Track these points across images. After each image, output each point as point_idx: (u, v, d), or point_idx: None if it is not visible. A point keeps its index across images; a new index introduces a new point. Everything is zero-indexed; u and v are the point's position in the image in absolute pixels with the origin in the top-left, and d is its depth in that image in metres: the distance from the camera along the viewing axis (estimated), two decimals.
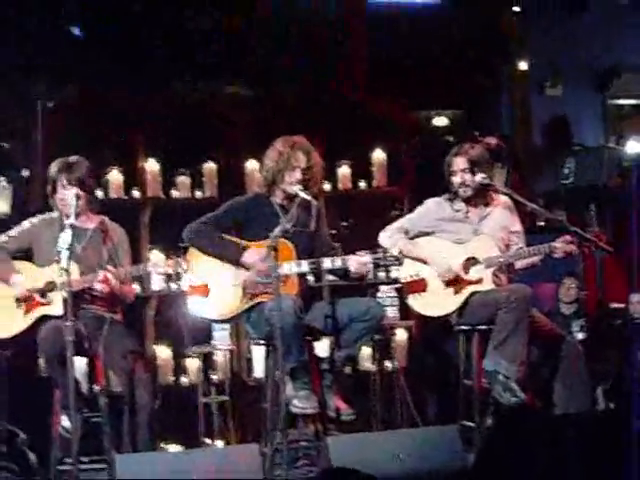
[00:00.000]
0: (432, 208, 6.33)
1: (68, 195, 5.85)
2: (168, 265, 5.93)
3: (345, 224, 8.29)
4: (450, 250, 6.15)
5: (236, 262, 5.87)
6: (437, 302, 6.13)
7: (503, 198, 6.33)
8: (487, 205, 6.29)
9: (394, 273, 7.20)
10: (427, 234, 6.26)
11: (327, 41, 9.85)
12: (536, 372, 6.92)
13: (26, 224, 6.13)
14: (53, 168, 6.00)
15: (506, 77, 10.73)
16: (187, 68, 8.98)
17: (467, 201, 6.24)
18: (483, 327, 6.00)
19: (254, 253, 5.84)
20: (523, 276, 6.32)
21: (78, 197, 5.78)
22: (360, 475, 2.95)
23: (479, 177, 6.18)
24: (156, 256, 6.82)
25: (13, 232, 6.14)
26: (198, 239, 5.95)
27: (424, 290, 6.16)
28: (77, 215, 5.72)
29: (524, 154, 10.24)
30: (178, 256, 5.93)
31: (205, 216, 6.02)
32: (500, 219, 6.27)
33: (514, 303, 5.82)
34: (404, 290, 6.28)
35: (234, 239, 5.93)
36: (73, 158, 6.00)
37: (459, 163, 6.22)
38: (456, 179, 6.22)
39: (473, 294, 6.05)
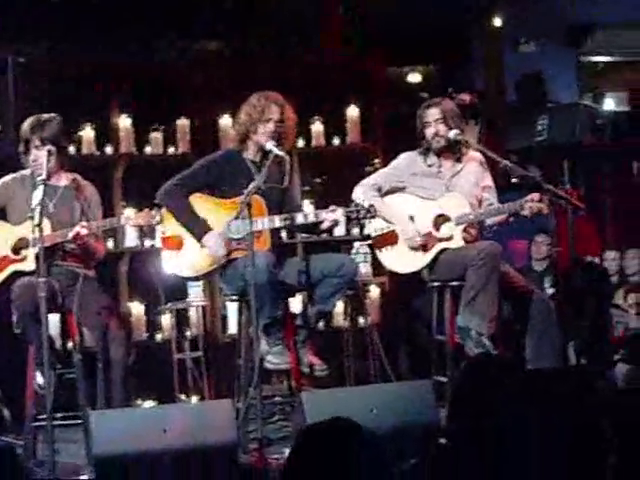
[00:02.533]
0: (405, 162, 6.34)
1: (40, 155, 5.81)
2: (141, 217, 5.92)
3: (319, 180, 8.29)
4: (421, 207, 6.17)
5: (198, 239, 5.87)
6: (406, 259, 6.16)
7: (475, 154, 6.33)
8: (459, 161, 6.29)
9: (367, 229, 7.21)
10: (400, 189, 6.27)
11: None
12: (508, 328, 6.98)
13: None
14: (25, 127, 5.93)
15: (480, 33, 10.72)
16: (160, 24, 8.92)
17: (439, 155, 6.25)
18: (455, 283, 6.03)
19: (213, 238, 5.84)
20: (495, 233, 6.35)
21: (50, 154, 5.75)
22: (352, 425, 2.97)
23: (452, 133, 6.18)
24: (129, 211, 6.79)
25: None
26: (169, 203, 5.96)
27: (395, 243, 6.18)
28: (49, 173, 5.70)
29: (497, 111, 10.25)
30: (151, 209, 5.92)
31: (177, 176, 6.00)
32: (472, 175, 6.28)
33: (483, 260, 5.85)
34: (375, 244, 6.30)
35: (199, 219, 5.91)
36: (45, 116, 5.94)
37: (433, 114, 6.21)
38: (430, 130, 6.21)
39: (443, 251, 6.08)
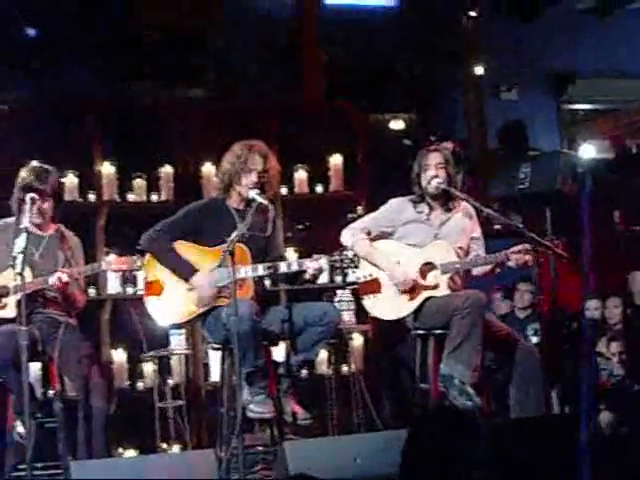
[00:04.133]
0: (395, 208, 6.32)
1: (46, 205, 5.84)
2: (122, 262, 5.90)
3: (302, 228, 8.29)
4: (408, 255, 6.16)
5: (186, 280, 5.86)
6: (392, 306, 6.14)
7: (464, 204, 6.34)
8: (449, 210, 6.28)
9: (351, 277, 7.20)
10: (388, 234, 6.27)
11: (284, 45, 9.89)
12: (491, 376, 6.95)
13: None
14: (29, 175, 5.91)
15: (462, 81, 10.80)
16: (144, 71, 8.95)
17: (430, 204, 6.24)
18: (439, 331, 6.01)
19: (203, 278, 5.83)
20: (479, 281, 6.34)
21: (33, 202, 5.75)
22: None
23: (435, 182, 6.18)
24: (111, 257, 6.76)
25: None
26: (153, 249, 5.94)
27: (379, 291, 6.16)
28: (39, 222, 5.71)
29: (479, 158, 10.30)
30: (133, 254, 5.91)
31: (161, 223, 5.99)
32: (460, 224, 6.27)
33: (468, 309, 5.84)
34: (359, 291, 6.29)
35: (185, 260, 5.90)
36: (45, 166, 5.96)
37: (435, 157, 6.20)
38: (430, 172, 6.18)
39: (428, 299, 6.07)
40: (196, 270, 5.86)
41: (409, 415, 6.20)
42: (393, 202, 6.36)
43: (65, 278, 5.76)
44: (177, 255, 5.91)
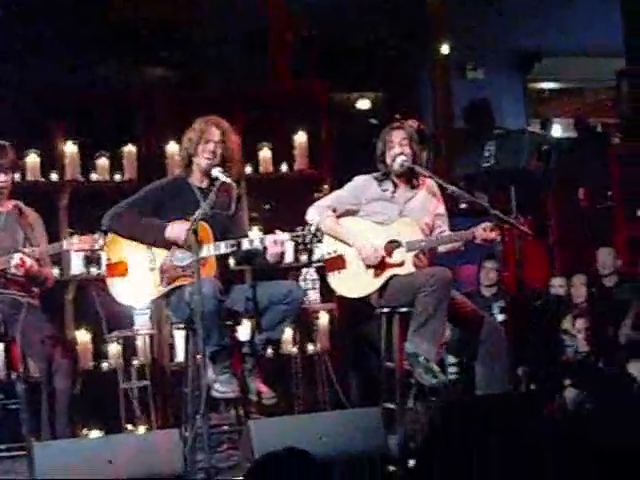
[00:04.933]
0: (360, 186, 6.30)
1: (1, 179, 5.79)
2: (84, 241, 5.84)
3: (267, 207, 8.26)
4: (373, 232, 6.14)
5: (161, 240, 5.80)
6: (356, 283, 6.12)
7: (429, 181, 6.32)
8: (414, 188, 6.28)
9: (316, 255, 7.18)
10: (353, 212, 6.25)
11: (250, 25, 9.85)
12: (458, 354, 6.96)
13: None
14: None
15: (428, 60, 10.79)
16: (108, 50, 8.89)
17: (395, 181, 6.23)
18: (404, 309, 6.00)
19: (177, 227, 5.77)
20: (444, 258, 6.34)
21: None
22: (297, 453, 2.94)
23: (400, 159, 6.16)
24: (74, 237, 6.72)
25: None
26: (118, 223, 5.88)
27: (344, 267, 6.13)
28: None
29: (445, 137, 10.30)
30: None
31: (123, 202, 5.94)
32: (425, 201, 6.26)
33: (434, 286, 5.82)
34: (326, 267, 6.26)
35: (151, 220, 5.85)
36: (1, 142, 5.90)
37: (399, 134, 6.19)
38: (395, 150, 6.17)
39: (393, 277, 6.05)
40: (164, 226, 5.79)
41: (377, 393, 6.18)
42: (358, 180, 6.34)
43: (27, 260, 5.71)
44: (142, 222, 5.84)
